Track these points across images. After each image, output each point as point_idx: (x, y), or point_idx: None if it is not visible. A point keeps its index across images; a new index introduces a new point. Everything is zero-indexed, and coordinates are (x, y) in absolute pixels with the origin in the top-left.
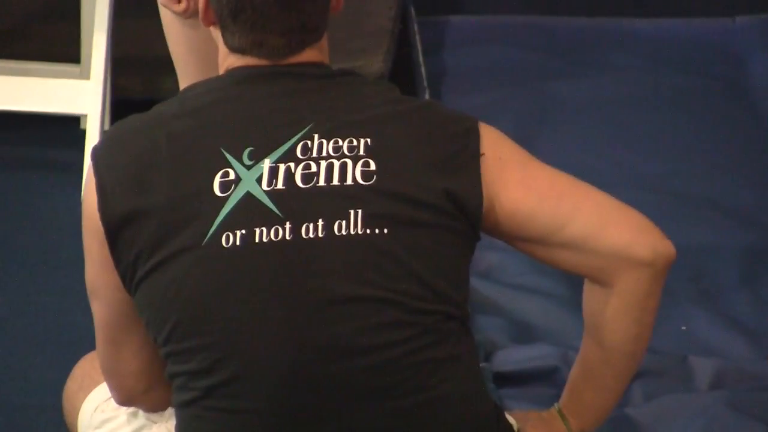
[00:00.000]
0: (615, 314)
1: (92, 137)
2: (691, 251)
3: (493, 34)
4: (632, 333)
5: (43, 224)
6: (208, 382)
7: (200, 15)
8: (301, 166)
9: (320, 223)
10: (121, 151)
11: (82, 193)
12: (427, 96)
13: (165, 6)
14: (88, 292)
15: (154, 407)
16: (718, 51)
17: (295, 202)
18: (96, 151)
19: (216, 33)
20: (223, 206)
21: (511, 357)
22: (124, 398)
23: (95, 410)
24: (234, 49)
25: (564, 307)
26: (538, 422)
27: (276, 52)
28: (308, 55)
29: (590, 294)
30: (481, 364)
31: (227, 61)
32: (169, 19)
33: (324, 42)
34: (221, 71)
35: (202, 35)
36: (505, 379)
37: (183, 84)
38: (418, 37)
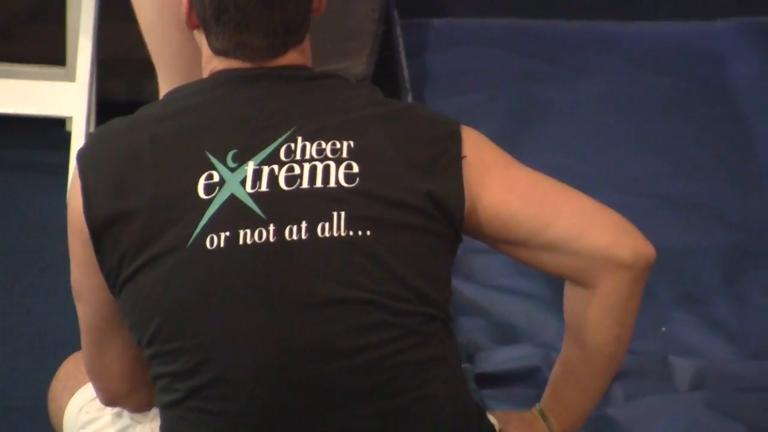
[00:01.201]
0: (596, 315)
1: (78, 139)
2: (672, 253)
3: (476, 37)
4: (613, 334)
5: (28, 226)
6: (191, 384)
7: (184, 18)
8: (284, 168)
9: (303, 225)
10: (105, 154)
11: (68, 195)
12: (409, 98)
13: None
14: (74, 294)
15: (138, 408)
16: (699, 53)
17: (279, 205)
18: (81, 153)
19: (200, 37)
20: (207, 208)
21: (493, 358)
22: (109, 399)
23: (80, 411)
24: (218, 51)
25: (546, 308)
26: (520, 423)
27: (259, 54)
28: (291, 58)
29: (572, 295)
30: (464, 365)
31: (211, 64)
32: (148, 22)
33: (306, 44)
34: (205, 74)
35: (182, 38)
36: (487, 379)
37: (164, 86)
38: (401, 40)
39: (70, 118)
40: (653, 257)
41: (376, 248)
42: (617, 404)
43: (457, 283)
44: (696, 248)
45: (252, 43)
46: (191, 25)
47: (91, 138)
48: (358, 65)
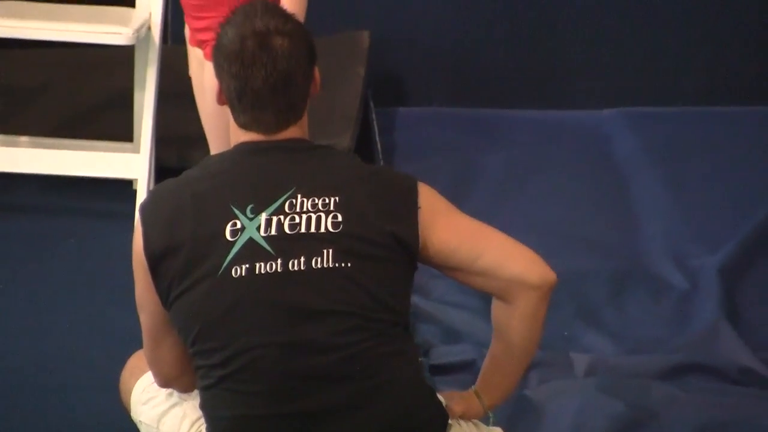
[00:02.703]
0: (514, 322)
1: (141, 194)
2: (571, 276)
3: (429, 120)
4: (527, 335)
5: (104, 256)
6: (222, 373)
7: (216, 98)
8: (288, 218)
9: (302, 259)
10: (159, 206)
11: (133, 236)
12: (381, 164)
13: None
14: (137, 307)
15: (185, 389)
16: (591, 132)
17: (284, 244)
18: (142, 206)
19: (227, 111)
20: (232, 247)
21: (442, 353)
22: (163, 382)
23: (142, 391)
24: (240, 124)
25: (479, 317)
26: (460, 400)
27: (269, 128)
28: (293, 131)
29: (497, 308)
30: (420, 359)
31: (236, 134)
32: (208, 110)
33: (305, 120)
34: (232, 139)
35: (225, 117)
36: (437, 369)
37: (212, 146)
38: (375, 122)
39: (136, 179)
40: (555, 281)
41: (355, 275)
42: (532, 387)
43: (416, 299)
44: (588, 273)
45: (264, 119)
46: (221, 102)
47: (149, 194)
48: (344, 140)
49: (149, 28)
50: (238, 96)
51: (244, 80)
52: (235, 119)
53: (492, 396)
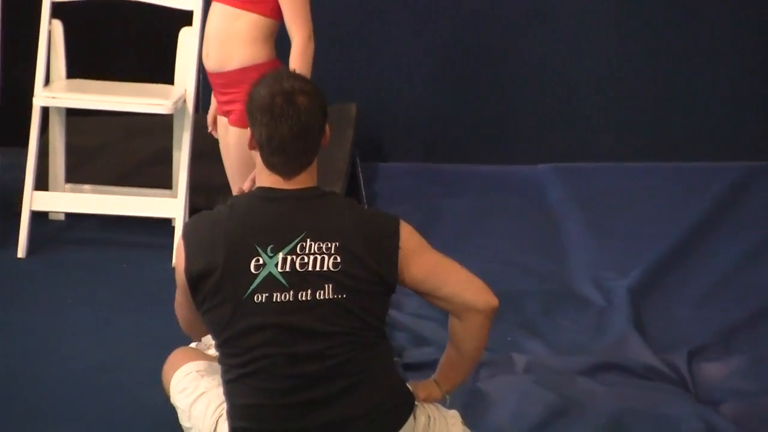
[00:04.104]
0: (464, 334)
1: (178, 230)
2: (514, 295)
3: (405, 173)
4: (474, 344)
5: (150, 279)
6: (241, 371)
7: (248, 143)
8: (299, 258)
9: (309, 291)
10: (199, 234)
11: (175, 253)
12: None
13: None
14: (176, 307)
15: (197, 338)
16: (528, 183)
17: (296, 279)
18: (185, 232)
19: (256, 155)
20: (255, 279)
21: (413, 355)
22: (185, 329)
23: (177, 382)
24: (268, 165)
25: (442, 326)
26: (423, 387)
27: (288, 172)
28: (304, 177)
29: (451, 322)
30: (396, 359)
31: (261, 174)
32: (232, 164)
33: (314, 166)
34: (258, 177)
35: (247, 174)
36: (409, 366)
37: (232, 183)
38: (360, 175)
39: (174, 218)
40: (497, 305)
41: (348, 304)
42: (483, 381)
43: (394, 313)
44: (527, 292)
45: (286, 162)
46: (251, 147)
47: (191, 222)
48: (335, 190)
49: (185, 101)
50: (267, 141)
51: (274, 128)
52: (264, 160)
53: (447, 384)
